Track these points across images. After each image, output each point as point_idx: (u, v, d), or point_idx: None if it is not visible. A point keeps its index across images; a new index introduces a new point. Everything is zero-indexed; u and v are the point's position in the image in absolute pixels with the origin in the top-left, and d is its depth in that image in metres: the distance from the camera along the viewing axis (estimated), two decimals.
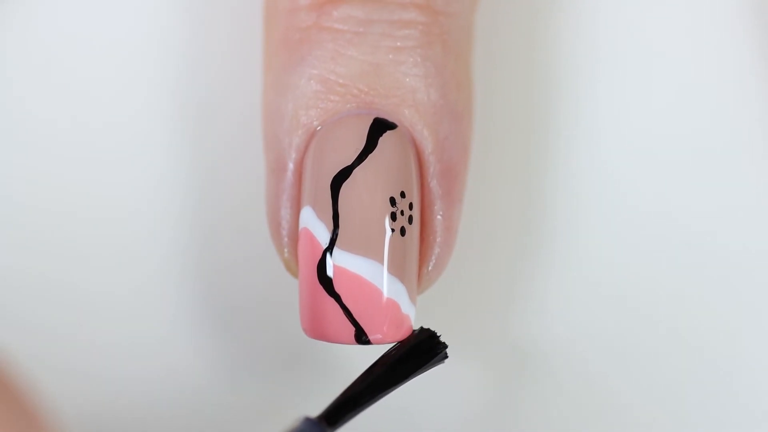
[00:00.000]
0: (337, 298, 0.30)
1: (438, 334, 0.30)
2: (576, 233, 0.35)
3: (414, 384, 0.34)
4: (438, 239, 0.31)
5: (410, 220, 0.30)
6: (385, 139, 0.30)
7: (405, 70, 0.31)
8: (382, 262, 0.30)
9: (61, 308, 0.35)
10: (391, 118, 0.31)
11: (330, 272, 0.30)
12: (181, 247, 0.35)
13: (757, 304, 0.35)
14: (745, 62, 0.35)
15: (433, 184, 0.31)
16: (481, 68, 0.34)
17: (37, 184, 0.35)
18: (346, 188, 0.30)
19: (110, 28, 0.35)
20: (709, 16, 0.35)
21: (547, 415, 0.35)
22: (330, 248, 0.30)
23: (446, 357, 0.30)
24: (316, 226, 0.30)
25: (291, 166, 0.31)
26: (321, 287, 0.30)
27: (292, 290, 0.33)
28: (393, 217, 0.30)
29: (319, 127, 0.31)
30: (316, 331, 0.30)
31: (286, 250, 0.31)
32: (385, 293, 0.30)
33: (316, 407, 0.35)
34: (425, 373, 0.31)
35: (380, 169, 0.30)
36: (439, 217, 0.31)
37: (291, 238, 0.31)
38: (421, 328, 0.30)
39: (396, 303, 0.30)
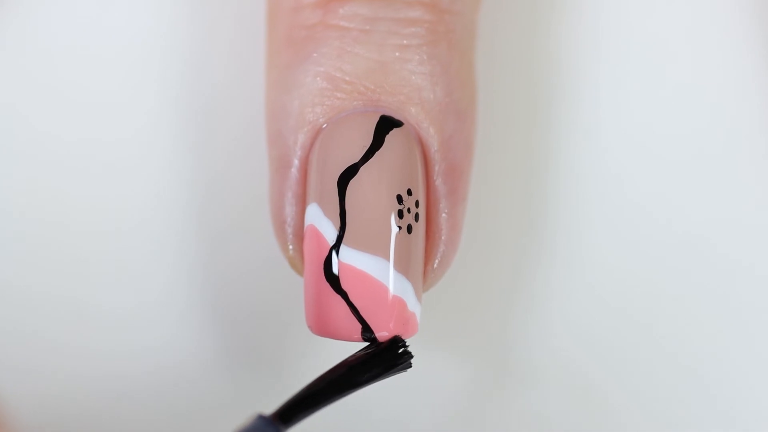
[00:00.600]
0: (344, 295, 0.30)
1: (406, 344, 0.30)
2: (578, 232, 0.35)
3: (413, 383, 0.35)
4: (443, 237, 0.31)
5: (416, 217, 0.30)
6: (392, 137, 0.30)
7: (411, 68, 0.31)
8: (388, 259, 0.30)
9: (68, 314, 0.35)
10: (397, 116, 0.31)
11: (336, 269, 0.30)
12: (185, 247, 0.35)
13: (759, 307, 0.35)
14: (747, 62, 0.35)
15: (439, 182, 0.31)
16: (484, 66, 0.34)
17: (41, 190, 0.35)
18: (352, 186, 0.30)
19: (112, 29, 0.35)
20: (711, 14, 0.35)
21: (545, 418, 0.35)
22: (337, 246, 0.30)
23: (410, 366, 0.30)
24: (322, 224, 0.30)
25: (296, 163, 0.31)
26: (327, 284, 0.30)
27: (296, 288, 0.33)
28: (400, 214, 0.30)
29: (324, 125, 0.31)
30: (323, 328, 0.30)
31: (290, 247, 0.31)
32: (392, 290, 0.30)
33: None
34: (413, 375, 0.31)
35: (387, 166, 0.30)
36: (444, 215, 0.31)
37: (296, 236, 0.31)
38: None
39: (402, 300, 0.30)
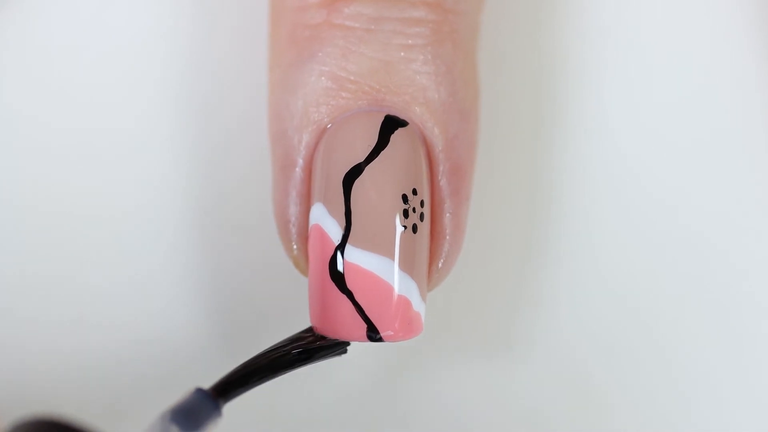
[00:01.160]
0: (349, 294, 0.30)
1: None
2: (582, 232, 0.35)
3: (415, 382, 0.35)
4: (447, 237, 0.31)
5: (421, 217, 0.30)
6: (397, 137, 0.30)
7: (416, 68, 0.31)
8: (393, 258, 0.30)
9: (65, 307, 0.35)
10: (402, 116, 0.31)
11: (342, 269, 0.30)
12: (187, 249, 0.35)
13: (765, 308, 0.35)
14: (752, 60, 0.35)
15: (443, 182, 0.31)
16: (486, 66, 0.34)
17: (40, 186, 0.35)
18: (358, 185, 0.30)
19: (113, 28, 0.35)
20: (715, 13, 0.35)
21: (548, 417, 0.35)
22: (342, 245, 0.30)
23: (345, 353, 0.30)
24: (327, 223, 0.30)
25: (301, 162, 0.31)
26: (333, 284, 0.30)
27: (298, 287, 0.33)
28: (405, 214, 0.30)
29: (329, 125, 0.31)
30: (327, 327, 0.30)
31: (295, 246, 0.31)
32: (397, 290, 0.30)
33: (321, 406, 0.35)
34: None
35: (392, 166, 0.30)
36: (448, 214, 0.31)
37: (300, 235, 0.31)
38: None
39: (407, 300, 0.30)
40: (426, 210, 0.30)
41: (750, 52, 0.35)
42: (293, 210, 0.31)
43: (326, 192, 0.30)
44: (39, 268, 0.35)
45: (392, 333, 0.30)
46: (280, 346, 0.30)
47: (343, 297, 0.30)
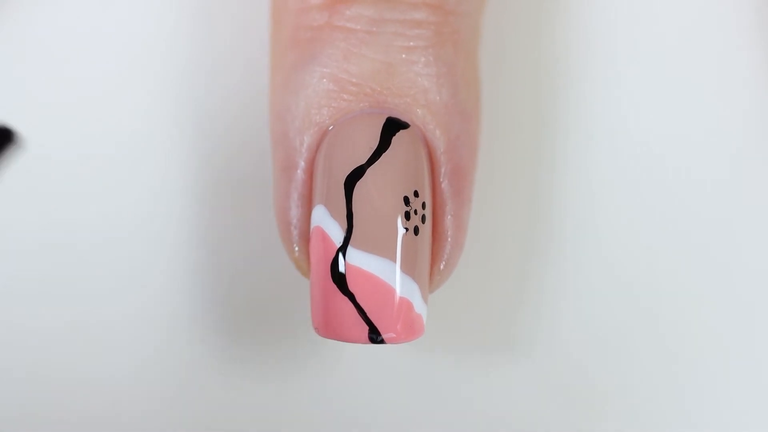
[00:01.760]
0: (351, 296, 0.30)
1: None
2: (582, 231, 0.35)
3: (415, 382, 0.35)
4: (449, 238, 0.31)
5: (423, 219, 0.30)
6: (398, 139, 0.30)
7: (417, 70, 0.31)
8: (395, 260, 0.30)
9: (66, 309, 0.35)
10: (403, 118, 0.31)
11: (343, 271, 0.30)
12: (187, 250, 0.35)
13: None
14: (754, 63, 0.35)
15: (445, 183, 0.31)
16: (487, 66, 0.34)
17: (39, 186, 0.35)
18: (359, 187, 0.30)
19: (114, 28, 0.35)
20: (719, 15, 0.35)
21: (551, 416, 0.35)
22: (344, 247, 0.30)
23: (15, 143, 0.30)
24: (329, 225, 0.30)
25: (302, 164, 0.31)
26: (334, 286, 0.30)
27: (300, 289, 0.33)
28: (407, 216, 0.30)
29: (330, 127, 0.31)
30: (329, 330, 0.30)
31: (296, 248, 0.31)
32: (399, 292, 0.30)
33: (320, 406, 0.35)
34: None
35: (394, 168, 0.30)
36: (450, 216, 0.31)
37: (302, 237, 0.31)
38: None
39: (409, 302, 0.30)
40: (428, 212, 0.30)
41: (753, 50, 0.36)
42: (294, 212, 0.31)
43: (328, 194, 0.30)
44: (38, 268, 0.35)
45: (394, 335, 0.30)
46: None
47: (345, 299, 0.30)
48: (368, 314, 0.30)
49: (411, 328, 0.30)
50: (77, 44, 0.35)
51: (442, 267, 0.31)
